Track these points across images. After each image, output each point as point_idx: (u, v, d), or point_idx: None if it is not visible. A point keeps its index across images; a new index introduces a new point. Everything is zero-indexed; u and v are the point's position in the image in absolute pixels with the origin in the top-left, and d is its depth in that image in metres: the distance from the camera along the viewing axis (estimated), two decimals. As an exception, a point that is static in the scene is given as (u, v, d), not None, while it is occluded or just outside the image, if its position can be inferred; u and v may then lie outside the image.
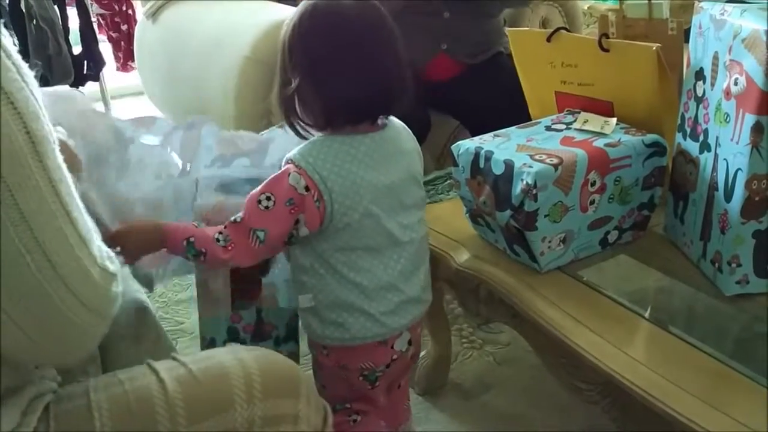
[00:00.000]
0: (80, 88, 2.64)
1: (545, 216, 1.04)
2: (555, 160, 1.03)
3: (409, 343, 1.09)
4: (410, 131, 1.09)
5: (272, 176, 0.97)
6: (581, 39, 1.26)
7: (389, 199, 1.01)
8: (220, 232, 0.96)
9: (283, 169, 0.97)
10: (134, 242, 0.96)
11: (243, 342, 1.14)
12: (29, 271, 0.60)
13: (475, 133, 2.00)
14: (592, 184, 1.07)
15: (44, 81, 2.38)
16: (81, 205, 0.66)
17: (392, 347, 1.07)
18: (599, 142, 1.09)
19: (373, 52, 0.97)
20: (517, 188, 1.03)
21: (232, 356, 0.76)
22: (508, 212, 1.06)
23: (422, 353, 1.48)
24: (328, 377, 1.11)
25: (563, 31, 1.26)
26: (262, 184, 0.97)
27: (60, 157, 0.63)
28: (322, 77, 0.96)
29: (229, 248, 0.95)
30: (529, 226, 1.05)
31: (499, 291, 1.11)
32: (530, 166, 1.03)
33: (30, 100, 0.60)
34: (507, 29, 1.37)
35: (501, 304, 1.15)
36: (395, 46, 0.99)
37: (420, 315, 1.10)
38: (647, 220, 1.17)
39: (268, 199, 0.94)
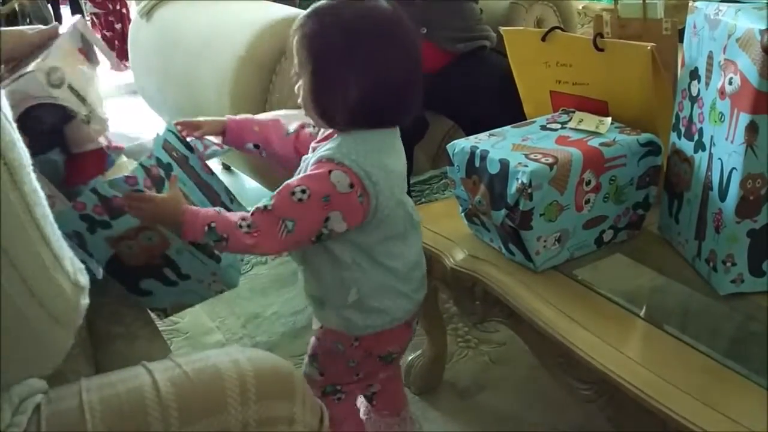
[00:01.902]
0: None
1: (540, 215, 1.05)
2: (550, 160, 1.03)
3: (417, 321, 1.16)
4: None
5: (310, 172, 0.96)
6: (576, 38, 1.26)
7: (403, 184, 1.05)
8: (243, 218, 0.94)
9: (321, 167, 0.95)
10: (150, 213, 0.95)
11: (104, 223, 1.00)
12: (7, 299, 0.60)
13: (468, 131, 2.03)
14: (587, 184, 1.07)
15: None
16: (51, 218, 0.65)
17: (412, 326, 1.13)
18: (594, 142, 1.10)
19: (413, 56, 0.98)
20: (513, 187, 1.03)
21: (227, 358, 0.76)
22: (504, 211, 1.06)
23: (417, 353, 1.48)
24: (335, 364, 1.12)
25: (558, 30, 1.26)
26: (299, 177, 0.96)
27: (35, 179, 0.63)
28: (371, 81, 0.94)
29: (255, 234, 0.94)
30: (525, 226, 1.05)
31: (495, 290, 1.11)
32: (525, 166, 1.03)
33: (5, 128, 0.60)
34: (502, 28, 1.37)
35: (496, 304, 1.15)
36: (416, 47, 1.00)
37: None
38: (642, 220, 1.17)
39: (303, 192, 0.93)
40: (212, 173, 1.14)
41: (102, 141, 0.97)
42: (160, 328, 1.11)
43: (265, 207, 0.95)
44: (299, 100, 1.00)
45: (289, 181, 0.96)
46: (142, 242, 1.02)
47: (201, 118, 1.14)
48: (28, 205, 0.60)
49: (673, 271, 1.10)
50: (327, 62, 0.95)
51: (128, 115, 3.26)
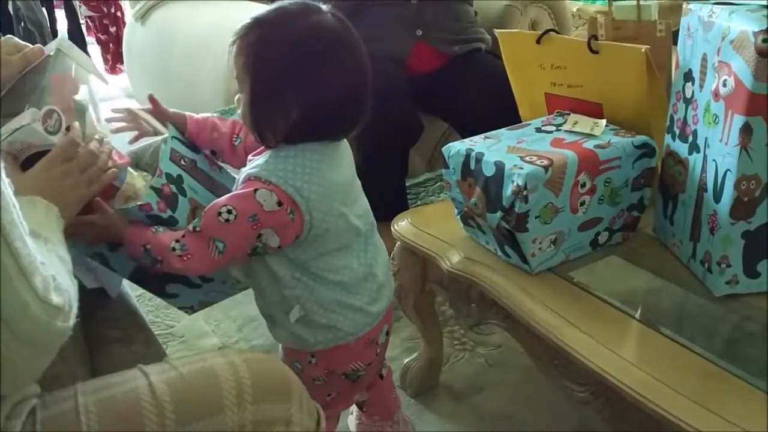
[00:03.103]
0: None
1: (536, 217, 1.05)
2: (545, 162, 1.04)
3: (387, 333, 1.12)
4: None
5: (236, 192, 0.95)
6: (571, 41, 1.27)
7: (349, 194, 1.02)
8: (177, 240, 0.94)
9: (247, 186, 0.94)
10: (93, 236, 0.97)
11: (164, 220, 1.01)
12: None
13: (464, 134, 2.04)
14: (582, 186, 1.07)
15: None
16: (25, 232, 0.62)
17: (377, 343, 1.09)
18: (589, 144, 1.10)
19: (358, 70, 0.96)
20: (508, 190, 1.03)
21: (223, 360, 0.76)
22: (499, 214, 1.06)
23: (414, 355, 1.48)
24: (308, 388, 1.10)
25: (552, 33, 1.27)
26: (226, 197, 0.95)
27: (5, 181, 0.61)
28: (312, 99, 0.93)
29: (185, 258, 0.94)
30: (520, 228, 1.05)
31: (491, 292, 1.11)
32: (521, 168, 1.03)
33: None
34: (496, 30, 1.38)
35: (493, 306, 1.15)
36: (365, 60, 0.98)
37: (391, 297, 1.12)
38: (637, 221, 1.18)
39: (230, 212, 0.92)
40: (221, 168, 1.15)
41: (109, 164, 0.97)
42: (155, 332, 1.12)
43: (194, 228, 0.95)
44: (238, 112, 0.99)
45: (217, 200, 0.96)
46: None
47: (170, 110, 1.13)
48: None
49: (668, 273, 1.10)
50: (265, 78, 0.93)
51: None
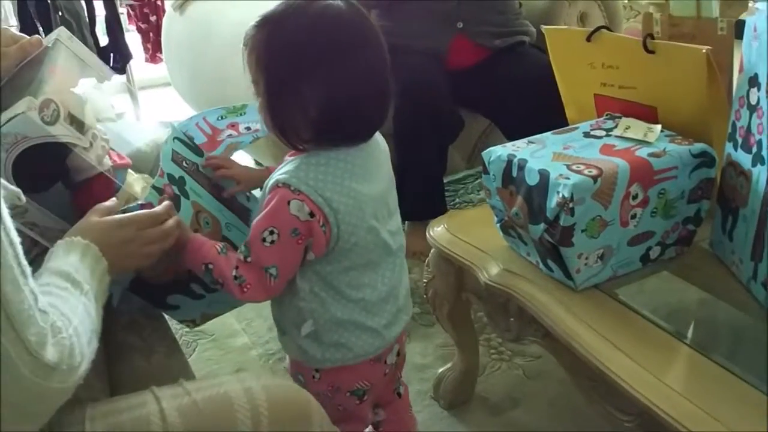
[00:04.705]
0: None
1: (582, 231, 0.97)
2: (594, 172, 0.96)
3: (398, 354, 1.07)
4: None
5: (270, 207, 0.90)
6: (624, 39, 1.18)
7: (382, 209, 0.97)
8: (237, 267, 0.91)
9: (278, 197, 0.89)
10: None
11: None
12: None
13: (505, 131, 1.97)
14: (634, 198, 0.99)
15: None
16: (25, 275, 0.56)
17: (385, 362, 1.04)
18: (642, 152, 1.02)
19: (376, 62, 0.91)
20: (553, 201, 0.96)
21: (239, 385, 0.71)
22: (542, 226, 0.99)
23: (448, 365, 1.43)
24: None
25: (604, 30, 1.18)
26: (262, 217, 0.91)
27: (6, 221, 0.55)
28: (327, 94, 0.88)
29: (245, 289, 0.91)
30: (565, 242, 0.98)
31: (531, 309, 1.04)
32: (567, 178, 0.96)
33: None
34: (543, 27, 1.30)
35: (532, 322, 1.08)
36: (384, 51, 0.92)
37: (407, 322, 1.06)
38: (692, 235, 1.09)
39: (272, 233, 0.89)
40: None
41: (107, 162, 0.93)
42: (183, 330, 1.07)
43: (246, 259, 0.91)
44: (258, 117, 0.95)
45: (255, 223, 0.91)
46: (165, 263, 0.99)
47: (239, 169, 1.08)
48: None
49: (725, 293, 1.02)
50: (278, 75, 0.89)
51: (162, 108, 3.26)
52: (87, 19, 2.48)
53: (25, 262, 0.57)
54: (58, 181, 0.91)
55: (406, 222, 2.02)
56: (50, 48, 0.89)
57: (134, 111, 3.09)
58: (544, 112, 1.76)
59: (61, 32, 0.92)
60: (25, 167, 0.81)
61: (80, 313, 0.64)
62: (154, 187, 0.94)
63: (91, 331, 0.65)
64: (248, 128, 1.10)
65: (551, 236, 0.99)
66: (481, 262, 1.15)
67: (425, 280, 1.32)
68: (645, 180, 0.99)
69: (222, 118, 1.09)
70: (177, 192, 0.97)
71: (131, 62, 2.91)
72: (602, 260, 1.02)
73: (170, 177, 0.97)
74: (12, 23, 2.51)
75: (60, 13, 2.31)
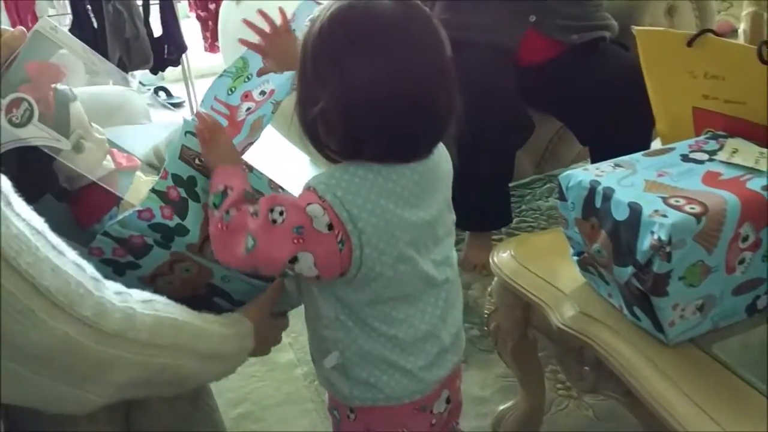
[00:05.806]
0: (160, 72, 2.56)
1: (680, 279, 0.82)
2: (697, 208, 0.80)
3: (447, 401, 0.93)
4: (445, 147, 0.89)
5: (294, 198, 0.80)
6: (734, 46, 1.01)
7: (425, 237, 0.84)
8: (238, 207, 0.81)
9: (303, 197, 0.79)
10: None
11: (131, 264, 0.88)
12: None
13: (580, 137, 1.79)
14: (744, 240, 0.83)
15: (122, 66, 2.30)
16: (59, 256, 0.59)
17: (431, 411, 0.90)
18: (754, 183, 0.85)
19: (427, 66, 0.78)
20: (645, 242, 0.81)
21: None
22: (630, 269, 0.84)
23: (510, 404, 1.29)
24: None
25: (710, 34, 1.01)
26: (286, 197, 0.83)
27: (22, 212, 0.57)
28: (365, 103, 0.76)
29: (220, 226, 0.81)
30: (658, 291, 0.82)
31: (612, 363, 0.89)
32: (664, 215, 0.80)
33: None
34: (634, 28, 1.13)
35: (611, 377, 0.93)
36: (441, 57, 0.79)
37: (458, 364, 0.94)
38: (810, 283, 0.92)
39: (281, 213, 0.77)
40: (251, 169, 0.95)
41: (108, 165, 0.82)
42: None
43: (253, 214, 0.80)
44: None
45: (276, 195, 0.86)
46: (180, 275, 0.90)
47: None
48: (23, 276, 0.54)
49: None
50: (302, 78, 0.81)
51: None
52: (140, 9, 2.41)
53: (57, 240, 0.60)
54: (46, 192, 0.81)
55: (467, 233, 1.88)
56: (28, 40, 0.79)
57: (191, 100, 3.03)
58: (627, 120, 1.59)
59: (42, 22, 0.82)
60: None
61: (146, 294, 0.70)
62: (154, 190, 0.83)
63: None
64: (263, 93, 0.98)
65: (641, 282, 0.84)
66: (552, 301, 1.00)
67: (486, 312, 1.18)
68: (758, 218, 0.83)
69: (231, 91, 0.96)
70: (184, 195, 0.86)
71: (188, 52, 2.84)
72: (701, 312, 0.86)
73: (176, 178, 0.85)
74: (66, 12, 2.46)
75: (112, 3, 2.24)
